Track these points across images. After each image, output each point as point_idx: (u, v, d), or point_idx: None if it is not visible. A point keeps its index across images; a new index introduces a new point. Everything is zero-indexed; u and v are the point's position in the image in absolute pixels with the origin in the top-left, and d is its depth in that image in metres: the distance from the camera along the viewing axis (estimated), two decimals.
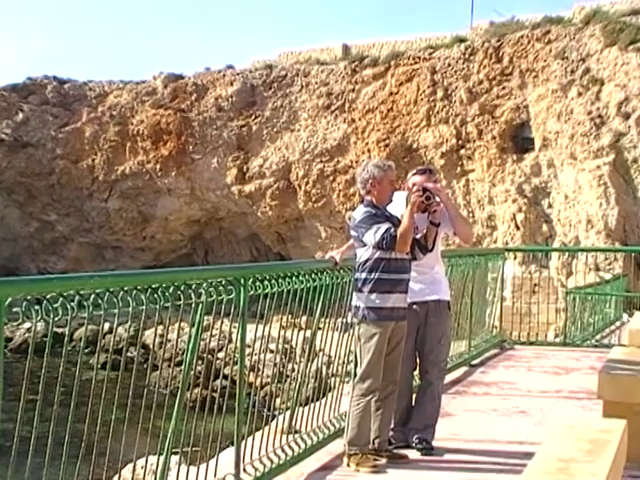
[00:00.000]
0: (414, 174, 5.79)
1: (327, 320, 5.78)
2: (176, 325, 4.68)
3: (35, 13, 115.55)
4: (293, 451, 5.22)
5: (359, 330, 5.27)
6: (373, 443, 5.34)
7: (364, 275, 5.25)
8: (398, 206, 5.74)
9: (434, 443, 5.63)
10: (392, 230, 5.15)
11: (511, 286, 17.72)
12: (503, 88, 26.18)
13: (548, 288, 15.74)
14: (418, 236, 5.38)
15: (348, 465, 5.23)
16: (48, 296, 3.36)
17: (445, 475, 5.20)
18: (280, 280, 5.04)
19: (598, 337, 12.52)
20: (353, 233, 5.36)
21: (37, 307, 3.31)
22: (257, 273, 4.96)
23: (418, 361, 5.83)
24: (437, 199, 5.50)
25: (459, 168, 26.88)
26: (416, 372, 5.96)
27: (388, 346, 5.25)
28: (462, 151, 26.78)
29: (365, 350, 5.20)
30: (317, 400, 5.83)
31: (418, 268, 5.63)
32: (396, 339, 5.30)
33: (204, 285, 4.32)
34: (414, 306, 5.65)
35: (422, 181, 5.63)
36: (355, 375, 5.35)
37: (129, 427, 4.03)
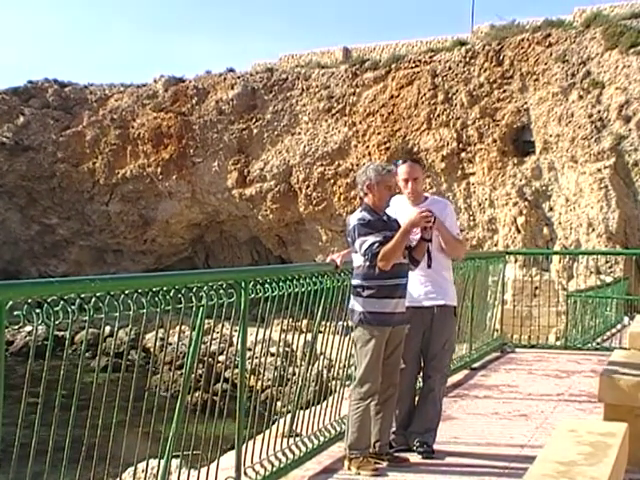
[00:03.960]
0: (401, 164, 5.78)
1: (328, 323, 5.77)
2: (177, 328, 4.68)
3: (35, 16, 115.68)
4: (294, 454, 5.22)
5: (356, 334, 5.26)
6: (374, 447, 5.33)
7: (360, 280, 5.23)
8: (397, 210, 5.74)
9: (435, 446, 5.63)
10: (375, 247, 5.11)
11: (512, 289, 17.72)
12: (504, 91, 26.20)
13: (549, 291, 15.75)
14: (413, 244, 5.34)
15: (349, 468, 5.22)
16: (49, 299, 3.35)
17: (446, 478, 5.19)
18: (281, 283, 5.03)
19: (599, 340, 12.50)
20: (348, 239, 5.37)
21: (38, 310, 3.31)
22: (258, 276, 4.96)
23: (422, 365, 5.82)
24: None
25: (460, 171, 26.89)
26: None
27: (386, 350, 5.23)
28: (463, 154, 26.79)
29: (362, 354, 5.18)
30: (318, 403, 5.83)
31: (426, 272, 5.63)
32: (394, 343, 5.27)
33: (205, 288, 4.31)
34: (420, 310, 5.64)
35: (415, 188, 5.67)
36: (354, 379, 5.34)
37: (130, 431, 4.02)
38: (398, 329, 5.28)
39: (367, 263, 5.17)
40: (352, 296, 5.32)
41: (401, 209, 5.74)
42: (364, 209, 5.33)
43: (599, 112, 24.06)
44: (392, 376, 5.31)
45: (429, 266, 5.47)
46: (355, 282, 5.28)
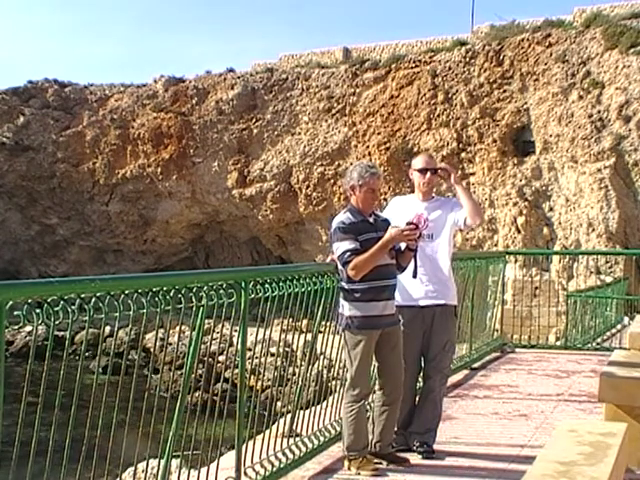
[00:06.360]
0: (419, 160, 5.81)
1: (328, 323, 5.77)
2: (177, 328, 4.68)
3: (35, 16, 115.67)
4: (294, 454, 5.22)
5: (344, 337, 5.21)
6: (375, 447, 5.32)
7: (345, 283, 5.19)
8: (401, 208, 5.72)
9: (435, 446, 5.62)
10: (347, 255, 5.06)
11: (512, 289, 17.74)
12: (504, 91, 26.19)
13: (549, 291, 15.74)
14: (403, 247, 5.30)
15: (349, 469, 5.21)
16: (49, 299, 3.34)
17: (446, 479, 5.18)
18: (281, 283, 5.02)
19: (599, 340, 12.49)
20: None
21: (38, 310, 3.30)
22: (258, 276, 4.96)
23: (422, 365, 5.80)
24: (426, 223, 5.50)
25: (460, 171, 26.82)
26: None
27: (382, 352, 5.19)
28: (463, 154, 26.78)
29: (352, 357, 5.14)
30: (318, 403, 5.82)
31: (427, 271, 5.62)
32: (390, 345, 5.21)
33: (205, 288, 4.31)
34: (420, 310, 5.63)
35: (431, 179, 5.67)
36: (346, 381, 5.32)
37: (130, 431, 4.02)
38: (391, 330, 5.21)
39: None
40: (340, 298, 5.29)
41: (407, 206, 5.73)
42: (348, 210, 5.28)
43: (599, 112, 24.06)
44: (395, 378, 5.26)
45: (414, 276, 5.36)
46: (341, 284, 5.25)
